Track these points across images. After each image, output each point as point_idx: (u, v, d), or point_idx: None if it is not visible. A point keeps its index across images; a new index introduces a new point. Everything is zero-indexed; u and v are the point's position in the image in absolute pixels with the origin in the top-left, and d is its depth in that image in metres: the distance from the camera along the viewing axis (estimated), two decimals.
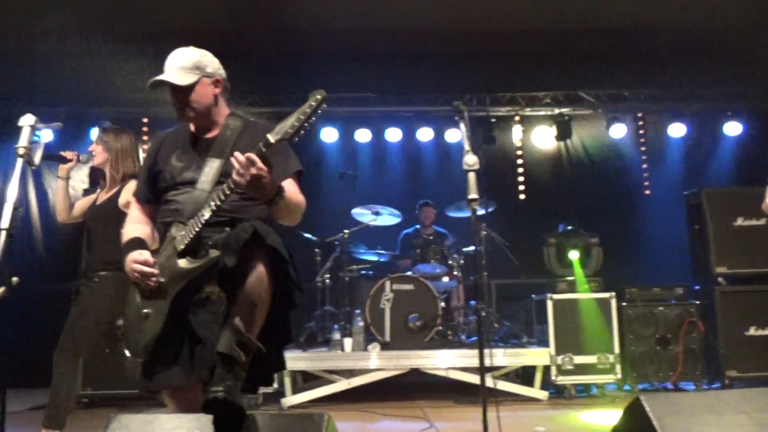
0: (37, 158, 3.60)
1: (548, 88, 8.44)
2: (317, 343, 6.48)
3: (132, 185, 4.00)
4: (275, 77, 7.87)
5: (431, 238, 7.38)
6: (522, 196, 8.63)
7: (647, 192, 8.61)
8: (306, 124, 2.30)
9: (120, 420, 2.41)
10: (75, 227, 4.10)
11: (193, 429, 2.33)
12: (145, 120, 8.24)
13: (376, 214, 6.88)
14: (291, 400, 5.66)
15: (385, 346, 5.92)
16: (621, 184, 8.57)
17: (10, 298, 3.01)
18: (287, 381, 5.69)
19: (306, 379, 6.30)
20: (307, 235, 6.82)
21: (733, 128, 8.45)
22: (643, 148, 8.73)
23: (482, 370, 3.16)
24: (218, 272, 2.44)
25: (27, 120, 3.07)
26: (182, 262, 2.50)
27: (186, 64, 2.68)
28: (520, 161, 8.72)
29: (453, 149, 8.48)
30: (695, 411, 2.57)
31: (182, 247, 2.51)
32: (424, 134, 8.54)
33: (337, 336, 6.01)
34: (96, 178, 4.71)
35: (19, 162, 2.99)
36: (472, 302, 6.81)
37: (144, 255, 2.56)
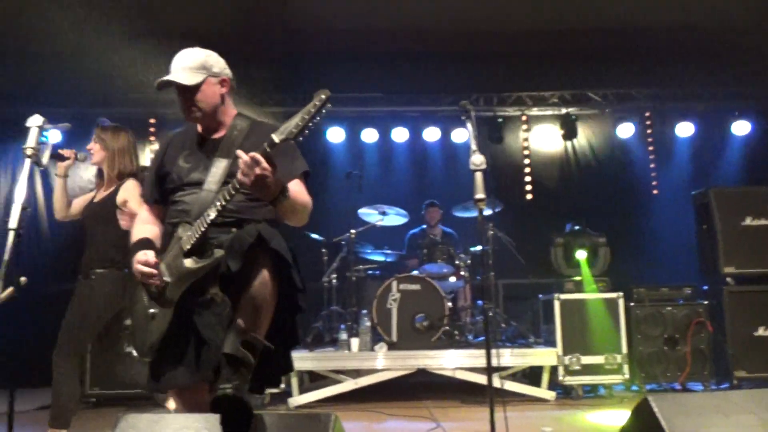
0: (44, 159, 3.61)
1: (555, 87, 8.44)
2: (324, 343, 6.48)
3: (130, 184, 4.01)
4: (281, 77, 7.87)
5: (438, 238, 7.38)
6: (529, 196, 8.62)
7: (655, 191, 8.59)
8: (310, 124, 2.30)
9: (128, 420, 2.42)
10: (82, 227, 4.10)
11: (201, 429, 2.33)
12: (153, 120, 8.26)
13: (383, 214, 6.87)
14: (298, 399, 5.67)
15: (392, 346, 5.92)
16: (628, 183, 8.54)
17: (19, 298, 3.03)
18: (294, 381, 5.70)
19: (313, 379, 6.30)
20: (314, 236, 6.82)
21: (741, 127, 8.42)
22: (650, 148, 8.70)
23: (489, 370, 3.15)
24: (221, 275, 2.44)
25: (35, 121, 3.09)
26: (188, 262, 2.51)
27: (192, 64, 2.69)
28: (527, 161, 8.70)
29: (460, 149, 8.48)
30: (703, 411, 2.56)
31: (188, 247, 2.51)
32: (431, 134, 8.54)
33: (344, 336, 6.01)
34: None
35: (27, 162, 3.01)
36: (479, 302, 6.80)
37: (147, 255, 2.57)
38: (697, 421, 2.50)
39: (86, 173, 5.85)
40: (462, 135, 8.40)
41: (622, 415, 3.53)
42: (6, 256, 2.73)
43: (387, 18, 7.29)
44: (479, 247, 6.58)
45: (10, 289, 3.26)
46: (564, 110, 8.48)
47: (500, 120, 8.51)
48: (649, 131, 8.71)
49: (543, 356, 5.89)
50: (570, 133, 8.47)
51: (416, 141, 8.64)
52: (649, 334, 6.10)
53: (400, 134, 8.53)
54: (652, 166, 8.68)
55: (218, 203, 2.45)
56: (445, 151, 8.67)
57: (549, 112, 8.64)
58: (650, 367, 6.04)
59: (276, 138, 2.30)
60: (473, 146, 3.34)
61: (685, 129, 8.47)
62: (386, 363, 5.80)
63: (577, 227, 6.76)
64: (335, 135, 8.45)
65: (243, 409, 2.26)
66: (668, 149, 8.63)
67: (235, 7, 6.87)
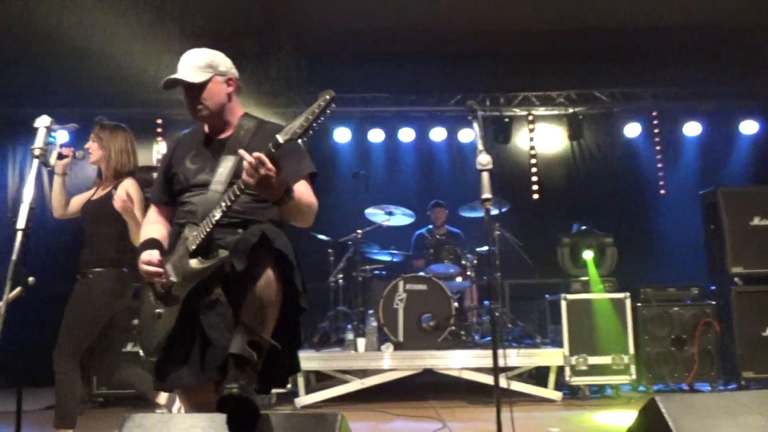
0: (52, 159, 3.63)
1: (562, 87, 8.42)
2: (330, 343, 6.48)
3: (128, 183, 4.00)
4: (288, 77, 7.88)
5: (444, 238, 7.37)
6: (536, 196, 8.61)
7: (662, 191, 8.57)
8: (315, 124, 2.31)
9: (135, 419, 2.43)
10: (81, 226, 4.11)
11: (207, 428, 2.33)
12: (159, 121, 8.29)
13: (389, 214, 6.87)
14: (304, 399, 5.67)
15: (398, 347, 5.91)
16: (635, 183, 8.52)
17: (27, 297, 3.04)
18: (300, 381, 5.70)
19: (319, 379, 6.30)
20: (321, 236, 6.82)
21: (749, 126, 8.40)
22: (657, 147, 8.68)
23: (496, 370, 3.15)
24: (225, 275, 2.45)
25: (42, 121, 3.10)
26: (193, 262, 2.52)
27: (199, 63, 2.71)
28: (533, 161, 8.69)
29: (466, 149, 8.48)
30: (711, 412, 2.54)
31: (194, 247, 2.53)
32: (438, 134, 8.53)
33: (350, 336, 6.01)
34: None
35: (35, 163, 3.02)
36: (486, 302, 6.79)
37: (151, 255, 2.59)
38: (705, 422, 2.49)
39: (93, 172, 5.85)
40: (468, 135, 8.40)
41: (629, 415, 3.52)
42: (14, 256, 2.74)
43: (393, 18, 7.30)
44: (486, 247, 6.57)
45: (18, 289, 3.28)
46: (570, 110, 8.47)
47: (507, 120, 8.51)
48: (656, 131, 8.69)
49: (550, 356, 5.88)
50: (577, 133, 8.46)
51: (423, 141, 8.65)
52: (656, 335, 6.08)
53: (406, 134, 8.54)
54: (659, 165, 8.66)
55: (223, 204, 2.45)
56: (452, 151, 8.67)
57: (555, 112, 8.63)
58: (657, 368, 6.02)
59: (280, 139, 2.30)
60: (480, 146, 3.34)
61: (692, 128, 8.45)
62: (393, 363, 5.80)
63: (584, 227, 6.74)
64: (342, 135, 8.46)
65: (249, 409, 2.27)
66: (675, 149, 8.60)
67: (244, 8, 6.88)
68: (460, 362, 5.79)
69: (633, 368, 5.88)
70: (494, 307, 5.84)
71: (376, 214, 6.91)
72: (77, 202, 4.15)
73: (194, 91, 2.69)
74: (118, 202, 3.75)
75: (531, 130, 8.74)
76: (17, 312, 3.05)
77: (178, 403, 4.00)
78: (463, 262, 6.74)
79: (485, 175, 3.25)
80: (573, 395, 5.93)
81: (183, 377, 2.55)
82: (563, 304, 5.99)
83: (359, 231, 6.55)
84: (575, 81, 8.32)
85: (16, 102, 7.65)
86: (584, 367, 5.86)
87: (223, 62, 2.77)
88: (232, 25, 6.90)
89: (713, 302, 6.18)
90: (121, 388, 5.63)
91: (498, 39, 7.83)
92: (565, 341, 5.90)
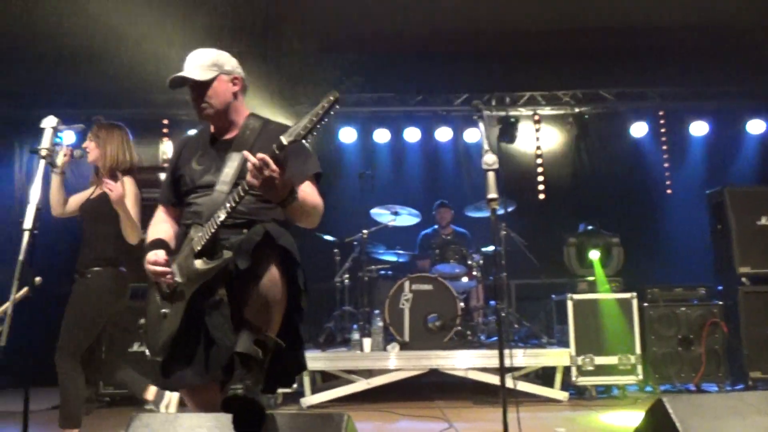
0: (59, 159, 3.64)
1: (567, 87, 8.41)
2: (336, 343, 6.49)
3: (126, 181, 4.01)
4: (295, 77, 7.89)
5: (450, 238, 7.36)
6: (541, 196, 8.60)
7: (669, 191, 8.55)
8: (319, 125, 2.31)
9: (141, 419, 2.43)
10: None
11: (213, 428, 2.34)
12: (166, 122, 8.31)
13: (395, 214, 6.87)
14: (310, 399, 5.67)
15: (404, 347, 5.91)
16: (642, 183, 8.50)
17: (34, 297, 3.05)
18: (306, 381, 5.71)
19: (325, 379, 6.31)
20: (327, 237, 6.83)
21: (755, 126, 8.37)
22: (664, 147, 8.66)
23: (502, 370, 3.14)
24: (228, 274, 2.45)
25: (49, 122, 3.11)
26: (198, 263, 2.52)
27: (204, 62, 2.73)
28: (539, 160, 8.68)
29: (472, 149, 8.47)
30: (719, 413, 2.53)
31: (199, 248, 2.53)
32: (443, 134, 8.53)
33: (356, 336, 6.01)
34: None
35: (42, 163, 3.03)
36: (492, 302, 6.78)
37: (157, 255, 2.60)
38: (713, 422, 2.48)
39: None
40: (474, 135, 8.39)
41: (636, 416, 3.51)
42: (21, 257, 2.75)
43: (399, 19, 7.29)
44: (492, 247, 6.56)
45: (25, 289, 3.29)
46: (576, 109, 8.45)
47: (512, 120, 8.49)
48: (662, 130, 8.67)
49: (556, 357, 5.87)
50: (583, 133, 8.44)
51: (428, 141, 8.64)
52: (663, 335, 6.06)
53: (412, 134, 8.54)
54: (665, 165, 8.64)
55: (228, 205, 2.46)
56: (458, 151, 8.66)
57: (561, 112, 8.61)
58: (664, 368, 6.00)
59: (284, 140, 2.31)
60: (485, 146, 3.34)
61: (698, 128, 8.43)
62: (398, 363, 5.80)
63: (590, 227, 6.73)
64: (347, 135, 8.46)
65: (254, 409, 2.27)
66: (682, 148, 8.58)
67: (254, 6, 6.89)
68: (466, 362, 5.79)
69: (640, 368, 5.86)
70: (500, 307, 5.81)
71: (381, 214, 6.91)
72: (75, 201, 4.15)
73: (200, 89, 2.71)
74: (114, 193, 3.74)
75: (537, 130, 8.72)
76: (24, 312, 3.05)
77: (166, 400, 4.01)
78: (469, 262, 6.73)
79: (491, 175, 3.24)
80: (579, 395, 5.91)
81: (187, 377, 2.55)
82: (569, 304, 5.98)
83: (365, 231, 6.55)
84: (581, 80, 8.30)
85: (23, 103, 7.68)
86: (591, 368, 5.85)
87: (229, 61, 2.79)
88: (242, 24, 6.90)
89: (720, 302, 6.16)
90: (128, 388, 5.64)
91: (504, 39, 7.81)
92: (572, 341, 5.89)
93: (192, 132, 3.03)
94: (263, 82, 6.89)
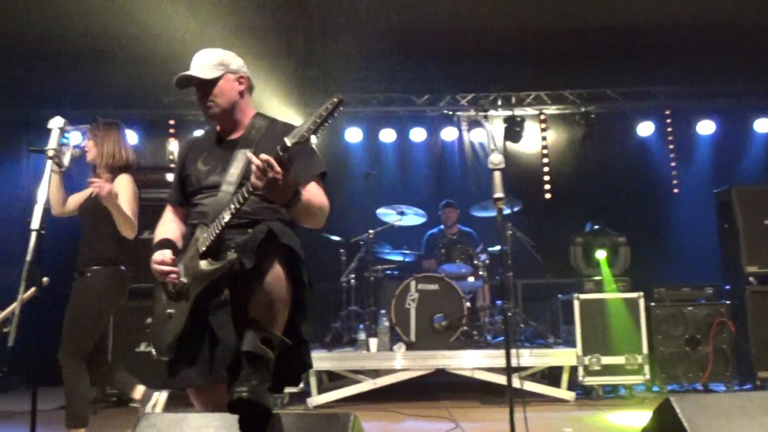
0: (66, 160, 3.65)
1: (573, 86, 8.38)
2: (343, 343, 6.49)
3: (123, 178, 4.01)
4: (302, 76, 7.90)
5: (456, 237, 7.36)
6: (548, 195, 8.58)
7: (675, 190, 8.52)
8: (322, 127, 2.32)
9: (148, 419, 2.44)
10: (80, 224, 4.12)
11: (220, 428, 2.34)
12: (172, 122, 8.34)
13: (401, 214, 6.87)
14: (316, 399, 5.68)
15: (410, 347, 5.91)
16: (649, 182, 8.48)
17: (41, 297, 3.06)
18: (313, 381, 5.71)
19: (331, 379, 6.31)
20: (333, 237, 6.83)
21: (763, 125, 8.33)
22: (671, 146, 8.63)
23: (509, 370, 3.14)
24: (233, 274, 2.46)
25: (56, 122, 3.12)
26: (203, 264, 2.53)
27: (210, 62, 2.75)
28: (545, 160, 8.66)
29: (478, 148, 8.46)
30: (726, 413, 2.53)
31: (204, 248, 2.54)
32: (449, 134, 8.52)
33: (362, 336, 6.01)
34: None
35: (49, 164, 3.04)
36: (498, 302, 6.77)
37: (164, 255, 2.61)
38: (720, 422, 2.47)
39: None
40: (480, 134, 8.38)
41: (643, 416, 3.50)
42: (28, 257, 2.76)
43: (404, 19, 7.28)
44: (498, 247, 6.56)
45: (32, 289, 3.31)
46: (583, 109, 8.42)
47: (518, 119, 8.47)
48: (669, 129, 8.65)
49: (563, 356, 5.86)
50: (589, 132, 8.42)
51: (434, 141, 8.64)
52: (670, 335, 6.05)
53: (418, 134, 8.53)
54: (672, 164, 8.62)
55: (232, 206, 2.47)
56: (463, 151, 8.65)
57: (568, 111, 8.59)
58: (671, 368, 5.99)
59: (288, 142, 2.31)
60: (491, 145, 3.34)
61: (705, 127, 8.40)
62: (405, 363, 5.80)
63: (596, 226, 6.72)
64: (353, 135, 8.46)
65: (260, 412, 2.27)
66: (689, 147, 8.55)
67: (260, 5, 6.88)
68: (472, 362, 5.78)
69: (647, 368, 5.85)
70: (507, 306, 5.83)
71: (387, 214, 6.92)
72: (75, 200, 4.15)
73: (205, 88, 2.73)
74: (102, 190, 3.74)
75: (543, 129, 8.71)
76: (32, 312, 3.07)
77: (153, 400, 4.01)
78: (475, 261, 6.73)
79: (497, 174, 3.24)
80: (586, 395, 5.90)
81: (192, 377, 2.56)
82: (576, 304, 5.96)
83: (371, 231, 6.55)
84: (587, 80, 8.28)
85: (31, 103, 7.71)
86: (597, 367, 5.83)
87: (235, 61, 2.81)
88: (248, 24, 6.90)
89: (728, 302, 6.14)
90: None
91: (509, 38, 7.81)
92: (578, 341, 5.88)
93: (199, 132, 3.03)
94: (263, 84, 6.91)
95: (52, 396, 5.20)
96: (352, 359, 5.87)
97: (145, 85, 7.54)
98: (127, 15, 6.47)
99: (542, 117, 8.66)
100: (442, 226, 7.55)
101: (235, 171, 2.64)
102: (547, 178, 8.61)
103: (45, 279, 3.29)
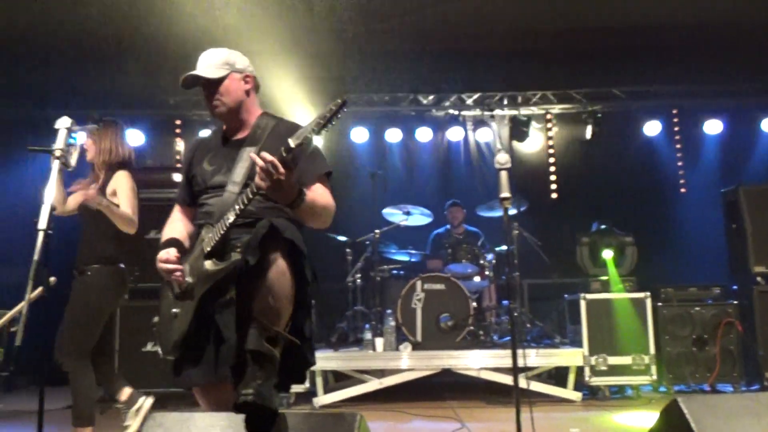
0: (73, 160, 3.65)
1: (579, 85, 8.37)
2: (349, 342, 6.49)
3: (121, 174, 4.01)
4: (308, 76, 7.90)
5: (462, 237, 7.35)
6: (554, 195, 8.57)
7: (682, 190, 8.50)
8: (326, 128, 2.32)
9: (155, 418, 2.44)
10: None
11: (226, 428, 2.34)
12: (178, 122, 8.36)
13: (407, 213, 6.87)
14: (322, 399, 5.68)
15: (416, 346, 5.91)
16: (656, 182, 8.45)
17: (48, 297, 3.07)
18: (319, 381, 5.71)
19: (337, 379, 6.31)
20: (339, 237, 6.83)
21: None
22: (678, 146, 8.60)
23: (515, 370, 3.13)
24: (238, 271, 2.46)
25: (63, 122, 3.12)
26: (208, 264, 2.54)
27: (216, 61, 2.76)
28: (551, 159, 8.65)
29: (484, 148, 8.45)
30: (734, 413, 2.52)
31: (209, 249, 2.55)
32: (455, 133, 8.51)
33: (368, 336, 6.01)
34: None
35: (56, 164, 3.04)
36: (505, 302, 6.76)
37: (168, 253, 2.63)
38: (728, 423, 2.46)
39: None
40: (486, 134, 8.37)
41: (650, 416, 3.50)
42: (35, 257, 2.76)
43: (410, 19, 7.28)
44: (504, 247, 6.55)
45: (39, 289, 3.31)
46: (589, 108, 8.40)
47: (524, 118, 8.46)
48: (676, 129, 8.61)
49: (569, 357, 5.84)
50: (595, 131, 8.40)
51: (440, 140, 8.63)
52: (677, 335, 6.03)
53: (424, 134, 8.52)
54: (679, 164, 8.60)
55: (237, 207, 2.47)
56: (469, 151, 8.65)
57: (574, 110, 8.58)
58: (678, 368, 5.96)
59: (292, 143, 2.31)
60: (498, 145, 3.34)
61: (713, 126, 8.36)
62: (411, 363, 5.79)
63: (603, 226, 6.70)
64: (359, 135, 8.46)
65: (266, 413, 2.27)
66: (696, 147, 8.53)
67: (266, 4, 6.89)
68: (478, 362, 5.77)
69: (654, 369, 5.83)
70: (513, 306, 5.82)
71: (393, 214, 6.91)
72: (75, 199, 4.13)
73: (212, 87, 2.74)
74: (87, 198, 3.73)
75: (549, 129, 8.69)
76: (39, 312, 3.07)
77: (137, 404, 4.02)
78: (481, 261, 6.72)
79: (503, 174, 3.24)
80: (593, 396, 5.89)
81: (197, 376, 2.58)
82: (582, 304, 5.95)
83: (377, 231, 6.55)
84: (593, 79, 8.26)
85: (37, 104, 7.74)
86: (604, 368, 5.82)
87: (240, 60, 2.82)
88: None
89: (735, 302, 6.11)
90: (143, 387, 5.67)
91: (515, 37, 7.79)
92: (585, 341, 5.86)
93: (205, 133, 3.05)
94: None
95: (60, 395, 5.22)
96: (358, 359, 5.88)
97: (151, 85, 7.57)
98: (133, 16, 6.49)
99: (548, 116, 8.64)
100: (448, 226, 7.54)
101: (240, 171, 2.65)
102: (553, 177, 8.60)
103: (52, 279, 3.30)
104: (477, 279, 6.72)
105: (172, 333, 2.58)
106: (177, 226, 2.87)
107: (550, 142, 8.69)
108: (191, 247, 2.71)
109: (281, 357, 2.38)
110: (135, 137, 7.91)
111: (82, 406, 3.79)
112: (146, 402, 4.05)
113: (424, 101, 8.46)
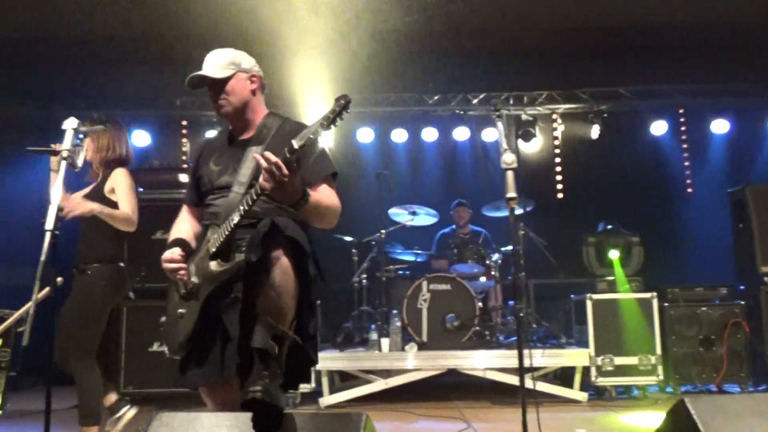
0: (80, 160, 3.67)
1: (586, 85, 8.34)
2: (354, 343, 6.49)
3: (119, 172, 4.01)
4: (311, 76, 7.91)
5: (468, 237, 7.35)
6: (560, 195, 8.55)
7: (689, 190, 8.48)
8: (330, 128, 2.32)
9: (162, 418, 2.45)
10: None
11: (232, 427, 2.35)
12: (185, 123, 8.38)
13: (413, 214, 6.87)
14: (328, 399, 5.68)
15: (422, 347, 5.91)
16: (662, 181, 8.43)
17: (55, 297, 3.08)
18: (325, 381, 5.71)
19: (343, 379, 6.31)
20: (345, 237, 6.84)
21: None
22: (684, 145, 8.58)
23: (522, 370, 3.13)
24: (242, 270, 2.46)
25: (70, 123, 3.14)
26: (213, 265, 2.56)
27: (222, 62, 2.78)
28: (557, 159, 8.63)
29: (490, 148, 8.45)
30: (741, 414, 2.51)
31: (214, 249, 2.56)
32: (461, 133, 8.50)
33: (374, 336, 6.01)
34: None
35: (63, 164, 3.05)
36: (510, 302, 6.75)
37: (173, 253, 2.65)
38: (735, 423, 2.45)
39: None
40: (492, 134, 8.36)
41: (657, 417, 3.49)
42: (42, 257, 2.77)
43: (416, 18, 7.28)
44: (510, 247, 6.54)
45: (46, 289, 3.33)
46: (595, 108, 8.38)
47: (531, 118, 8.45)
48: (683, 128, 8.59)
49: (575, 357, 5.83)
50: (602, 131, 8.38)
51: (446, 141, 8.63)
52: (684, 335, 6.00)
53: (429, 134, 8.52)
54: (686, 163, 8.57)
55: (242, 208, 2.48)
56: (476, 151, 8.64)
57: (580, 110, 8.56)
58: (685, 369, 5.94)
59: (295, 144, 2.32)
60: (504, 145, 3.33)
61: (720, 126, 8.33)
62: (416, 363, 5.79)
63: (609, 226, 6.68)
64: (365, 135, 8.46)
65: (273, 412, 2.28)
66: (703, 146, 8.50)
67: (269, 3, 6.89)
68: (484, 362, 5.77)
69: (660, 369, 5.81)
70: (519, 307, 5.77)
71: (399, 214, 6.91)
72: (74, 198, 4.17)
73: (217, 87, 2.75)
74: (75, 210, 3.74)
75: (555, 129, 8.68)
76: (46, 312, 3.08)
77: (120, 413, 4.02)
78: (487, 261, 6.70)
79: (510, 174, 3.23)
80: (599, 396, 5.87)
81: (203, 376, 2.59)
82: (589, 304, 5.94)
83: (383, 231, 6.55)
84: (599, 78, 8.24)
85: (44, 104, 7.77)
86: (610, 368, 5.80)
87: (246, 60, 2.83)
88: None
89: (742, 302, 6.09)
90: (149, 387, 5.69)
91: (521, 37, 7.79)
92: (591, 341, 5.85)
93: (212, 133, 3.06)
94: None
95: (66, 395, 5.23)
96: (363, 359, 5.87)
97: (157, 86, 7.59)
98: (140, 17, 6.51)
99: (554, 116, 8.63)
100: (454, 226, 7.54)
101: (246, 171, 2.66)
102: (559, 177, 8.59)
103: (59, 279, 3.31)
104: (483, 279, 6.71)
105: (178, 333, 2.59)
106: (184, 226, 2.88)
107: (557, 142, 8.67)
108: (197, 247, 2.72)
109: (288, 355, 2.39)
110: (141, 138, 7.94)
111: (89, 405, 3.80)
112: (129, 412, 4.06)
113: (430, 101, 8.45)
